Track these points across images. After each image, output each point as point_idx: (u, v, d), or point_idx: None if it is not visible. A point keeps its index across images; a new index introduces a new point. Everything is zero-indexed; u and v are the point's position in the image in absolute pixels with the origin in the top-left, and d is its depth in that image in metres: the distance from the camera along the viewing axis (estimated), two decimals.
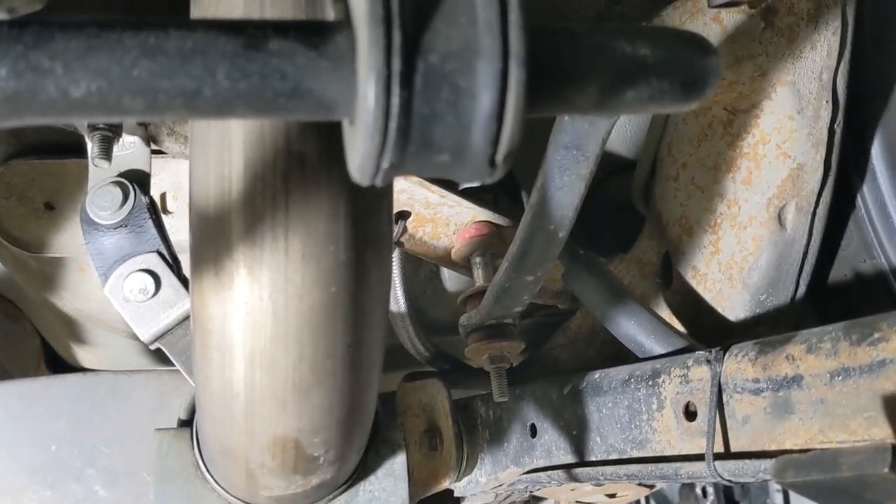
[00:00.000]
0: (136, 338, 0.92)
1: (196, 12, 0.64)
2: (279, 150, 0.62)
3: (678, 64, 0.46)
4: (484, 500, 1.30)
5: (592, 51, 0.44)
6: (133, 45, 0.39)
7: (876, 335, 0.73)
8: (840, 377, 0.75)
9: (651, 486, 1.31)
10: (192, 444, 0.85)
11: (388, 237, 0.70)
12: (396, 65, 0.39)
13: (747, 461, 0.82)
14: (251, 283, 0.64)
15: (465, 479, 1.24)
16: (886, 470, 0.53)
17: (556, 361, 1.31)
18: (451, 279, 1.32)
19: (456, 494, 1.27)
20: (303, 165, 0.62)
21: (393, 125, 0.40)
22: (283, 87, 0.41)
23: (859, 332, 0.75)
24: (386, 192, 0.69)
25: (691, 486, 2.85)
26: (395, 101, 0.39)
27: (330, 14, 0.61)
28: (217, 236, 0.64)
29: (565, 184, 0.79)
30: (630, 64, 0.45)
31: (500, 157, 0.42)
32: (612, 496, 1.34)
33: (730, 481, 0.85)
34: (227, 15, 0.60)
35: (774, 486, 3.51)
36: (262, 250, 0.63)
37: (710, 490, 2.87)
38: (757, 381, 0.82)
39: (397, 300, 1.20)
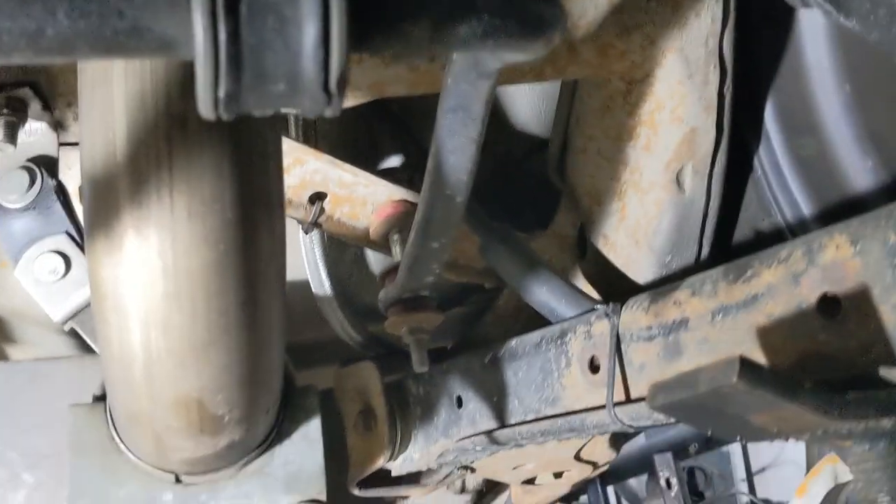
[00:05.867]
0: (67, 333, 0.94)
1: None
2: (161, 113, 0.64)
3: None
4: (428, 486, 1.31)
5: None
6: None
7: (749, 272, 0.77)
8: (720, 315, 0.79)
9: (594, 464, 1.33)
10: (107, 417, 0.87)
11: (278, 196, 0.73)
12: None
13: (643, 405, 0.85)
14: (139, 242, 0.66)
15: (401, 458, 1.26)
16: (735, 380, 0.56)
17: (486, 338, 1.34)
18: (376, 262, 1.34)
19: (394, 474, 1.29)
20: (184, 126, 0.65)
21: (223, 54, 0.43)
22: (122, 26, 0.44)
23: (735, 271, 0.79)
24: (273, 153, 0.71)
25: (656, 479, 2.90)
26: (222, 29, 0.42)
27: None
28: (106, 199, 0.66)
29: (457, 147, 0.82)
30: None
31: (332, 83, 0.45)
32: (559, 475, 1.36)
33: (630, 426, 0.88)
34: None
35: (738, 476, 3.56)
36: (149, 210, 0.65)
37: (675, 482, 2.92)
38: (650, 328, 0.86)
39: (322, 282, 1.22)
